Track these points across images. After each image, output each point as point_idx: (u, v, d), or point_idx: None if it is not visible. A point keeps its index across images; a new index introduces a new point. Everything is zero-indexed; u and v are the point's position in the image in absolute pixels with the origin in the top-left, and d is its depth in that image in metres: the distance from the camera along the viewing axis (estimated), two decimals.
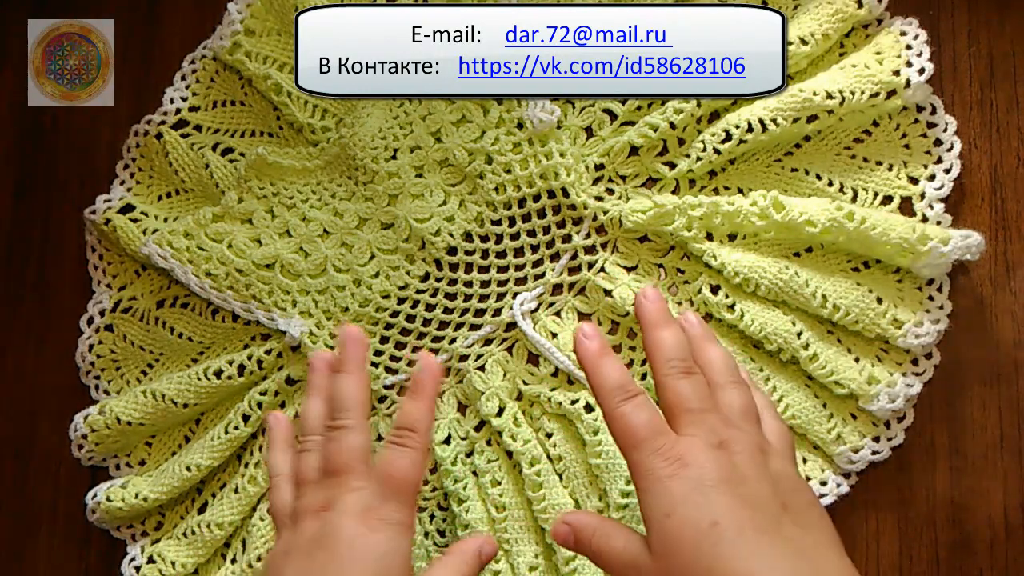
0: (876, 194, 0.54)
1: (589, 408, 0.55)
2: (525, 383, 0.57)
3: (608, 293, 0.56)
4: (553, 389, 0.56)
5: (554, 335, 0.57)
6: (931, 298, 0.53)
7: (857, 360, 0.53)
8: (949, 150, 0.54)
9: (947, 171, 0.54)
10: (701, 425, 0.42)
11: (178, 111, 0.63)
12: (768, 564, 0.38)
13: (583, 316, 0.57)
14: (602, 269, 0.57)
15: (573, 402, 0.55)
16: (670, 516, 0.40)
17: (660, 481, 0.40)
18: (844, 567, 0.40)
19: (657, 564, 0.40)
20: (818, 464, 0.54)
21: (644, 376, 0.56)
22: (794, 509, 0.40)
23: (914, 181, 0.54)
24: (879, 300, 0.52)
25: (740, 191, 0.56)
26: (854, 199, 0.55)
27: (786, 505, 0.40)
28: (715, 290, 0.55)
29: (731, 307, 0.54)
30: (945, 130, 0.54)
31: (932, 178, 0.54)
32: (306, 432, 0.47)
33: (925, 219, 0.53)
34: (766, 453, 0.42)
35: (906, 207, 0.54)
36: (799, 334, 0.53)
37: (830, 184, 0.55)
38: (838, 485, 0.54)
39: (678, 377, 0.43)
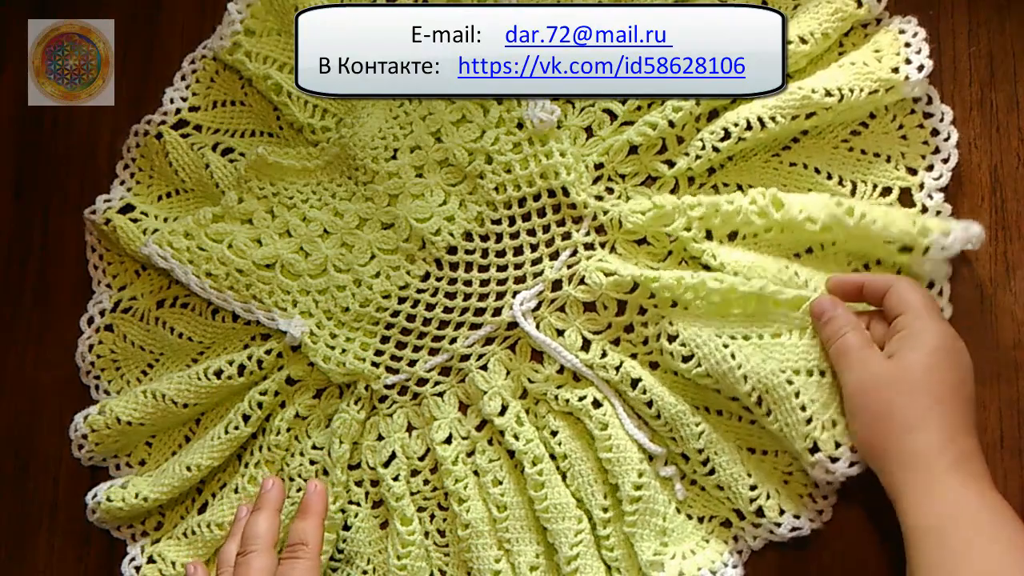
0: (875, 186, 0.54)
1: (597, 404, 0.55)
2: (531, 381, 0.57)
3: (610, 273, 0.55)
4: (559, 387, 0.56)
5: (560, 332, 0.56)
6: (931, 286, 0.53)
7: None
8: (947, 139, 0.54)
9: (945, 160, 0.54)
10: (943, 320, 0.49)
11: (178, 111, 0.63)
12: (932, 430, 0.46)
13: (587, 307, 0.57)
14: (600, 259, 0.56)
15: (581, 399, 0.55)
16: (918, 363, 0.48)
17: (929, 341, 0.48)
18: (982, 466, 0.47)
19: (870, 378, 0.48)
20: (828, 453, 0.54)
21: (655, 366, 0.55)
22: (966, 410, 0.48)
23: (913, 172, 0.54)
24: None
25: (739, 187, 0.55)
26: (853, 192, 0.55)
27: (969, 402, 0.48)
28: None
29: None
30: (942, 120, 0.54)
31: (930, 168, 0.54)
32: (221, 568, 0.54)
33: (925, 209, 0.53)
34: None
35: (905, 198, 0.54)
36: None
37: (829, 177, 0.55)
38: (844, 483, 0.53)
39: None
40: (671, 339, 0.54)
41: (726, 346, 0.52)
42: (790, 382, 0.50)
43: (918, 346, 0.48)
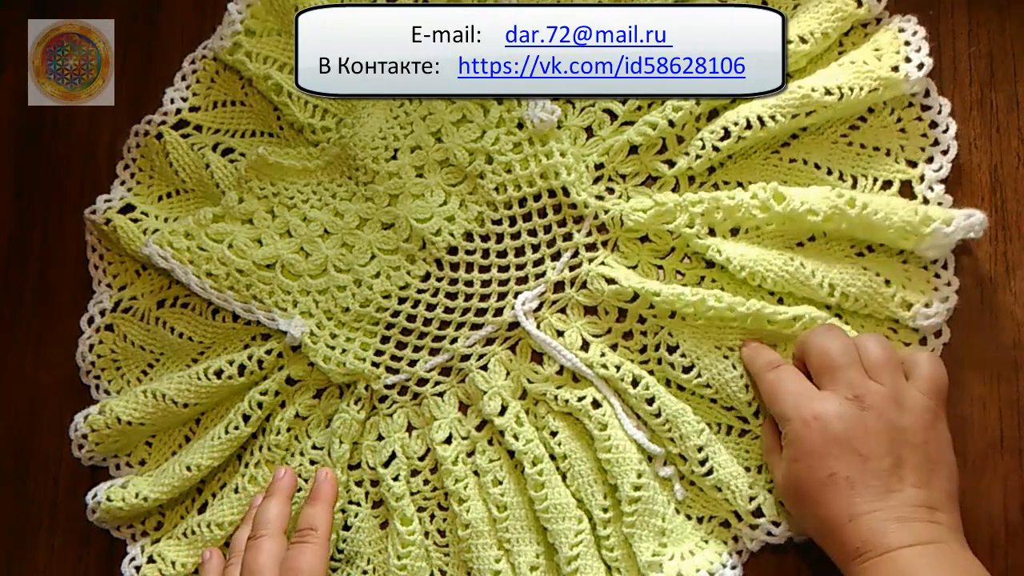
0: (876, 179, 0.55)
1: (596, 404, 0.55)
2: (530, 381, 0.57)
3: (612, 281, 0.55)
4: (559, 387, 0.56)
5: (560, 333, 0.56)
6: (937, 276, 0.53)
7: None
8: (945, 131, 0.54)
9: (944, 152, 0.54)
10: (840, 381, 0.48)
11: (178, 111, 0.63)
12: (866, 514, 0.46)
13: (588, 310, 0.57)
14: (602, 263, 0.56)
15: (580, 399, 0.55)
16: (798, 461, 0.48)
17: (794, 432, 0.48)
18: (932, 529, 0.46)
19: (783, 483, 0.49)
20: None
21: (651, 374, 0.55)
22: (907, 465, 0.46)
23: (913, 164, 0.54)
24: (887, 282, 0.53)
25: (740, 185, 0.55)
26: (854, 186, 0.55)
27: (900, 461, 0.46)
28: None
29: None
30: (940, 112, 0.54)
31: (930, 160, 0.54)
32: (232, 554, 0.55)
33: (926, 201, 0.54)
34: (901, 406, 0.48)
35: (906, 190, 0.54)
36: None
37: (829, 172, 0.55)
38: None
39: (823, 333, 0.50)
40: (671, 350, 0.55)
41: (726, 357, 0.53)
42: None
43: (785, 451, 0.49)
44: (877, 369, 0.49)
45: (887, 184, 0.55)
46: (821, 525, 0.48)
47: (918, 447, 0.47)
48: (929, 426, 0.48)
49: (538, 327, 0.57)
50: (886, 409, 0.47)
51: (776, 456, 0.51)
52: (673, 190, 0.56)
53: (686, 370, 0.54)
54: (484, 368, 0.58)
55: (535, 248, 0.58)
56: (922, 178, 0.54)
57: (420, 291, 0.59)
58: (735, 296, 0.53)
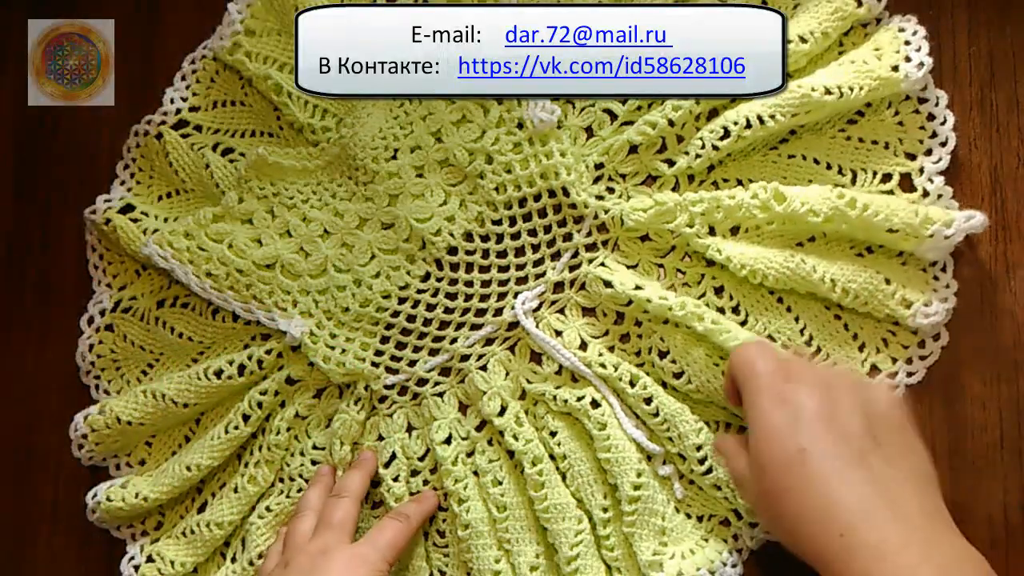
0: (875, 173, 0.55)
1: (595, 404, 0.55)
2: (529, 382, 0.57)
3: (609, 284, 0.55)
4: (558, 387, 0.56)
5: (558, 333, 0.56)
6: (936, 278, 0.53)
7: (862, 348, 0.53)
8: (943, 123, 0.54)
9: (943, 144, 0.54)
10: (809, 372, 0.47)
11: (178, 111, 0.63)
12: (845, 489, 0.42)
13: (587, 311, 0.57)
14: (602, 264, 0.56)
15: (579, 399, 0.55)
16: (767, 441, 0.45)
17: (763, 413, 0.45)
18: (925, 503, 0.43)
19: (754, 483, 0.46)
20: None
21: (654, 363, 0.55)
22: (885, 445, 0.44)
23: (912, 157, 0.54)
24: (887, 281, 0.53)
25: (739, 182, 0.56)
26: (854, 180, 0.55)
27: (878, 441, 0.44)
28: (719, 292, 0.55)
29: (735, 309, 0.54)
30: (937, 104, 0.54)
31: (929, 152, 0.54)
32: (301, 511, 0.56)
33: (926, 193, 0.53)
34: (868, 390, 0.47)
35: (905, 183, 0.54)
36: (802, 330, 0.53)
37: (829, 167, 0.55)
38: None
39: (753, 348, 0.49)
40: (662, 355, 0.55)
41: (716, 365, 0.53)
42: None
43: (751, 435, 0.46)
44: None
45: (887, 177, 0.54)
46: (793, 522, 0.43)
47: (895, 432, 0.45)
48: (899, 416, 0.46)
49: (537, 327, 0.57)
50: (855, 391, 0.46)
51: (744, 463, 0.47)
52: (673, 189, 0.56)
53: (676, 375, 0.54)
54: (484, 368, 0.58)
55: (535, 248, 0.58)
56: (921, 171, 0.54)
57: (420, 291, 0.59)
58: (733, 323, 0.53)
